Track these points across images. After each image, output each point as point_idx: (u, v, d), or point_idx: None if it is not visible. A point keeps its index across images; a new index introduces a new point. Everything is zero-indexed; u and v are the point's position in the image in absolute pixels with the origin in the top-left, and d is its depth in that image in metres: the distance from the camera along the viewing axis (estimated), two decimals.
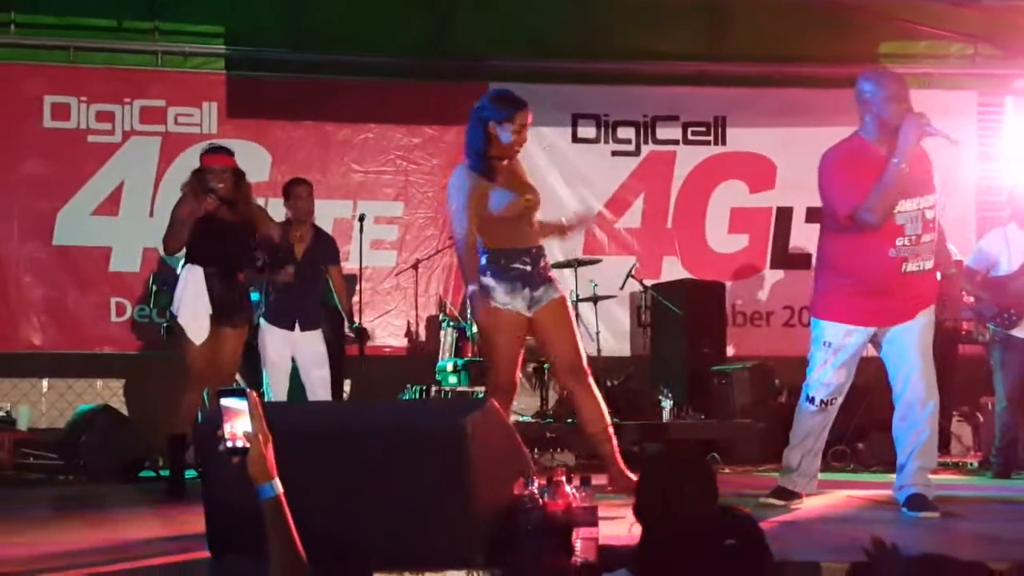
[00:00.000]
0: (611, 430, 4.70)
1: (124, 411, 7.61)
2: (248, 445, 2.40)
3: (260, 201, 7.99)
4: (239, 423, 2.43)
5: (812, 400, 4.67)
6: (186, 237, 5.59)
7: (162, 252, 6.12)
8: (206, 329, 5.56)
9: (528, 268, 4.57)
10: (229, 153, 5.81)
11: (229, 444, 2.44)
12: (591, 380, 4.65)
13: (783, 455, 4.83)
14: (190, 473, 6.12)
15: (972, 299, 6.74)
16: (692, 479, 2.51)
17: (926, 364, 4.58)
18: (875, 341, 4.65)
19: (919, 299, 4.59)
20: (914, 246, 4.48)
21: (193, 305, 5.57)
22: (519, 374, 4.71)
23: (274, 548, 2.40)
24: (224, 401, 2.46)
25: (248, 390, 2.48)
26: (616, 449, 4.71)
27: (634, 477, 4.16)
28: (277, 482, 2.42)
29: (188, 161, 8.05)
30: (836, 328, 4.58)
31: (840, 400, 4.71)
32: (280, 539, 2.40)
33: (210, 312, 5.57)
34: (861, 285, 4.53)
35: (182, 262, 5.72)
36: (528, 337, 4.72)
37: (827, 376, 4.62)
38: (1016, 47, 8.86)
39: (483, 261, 4.62)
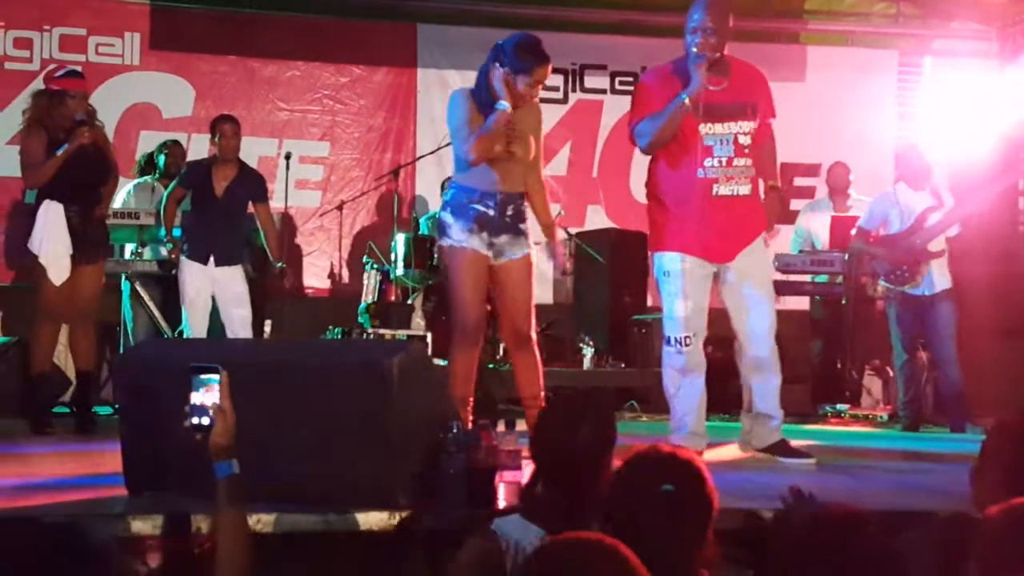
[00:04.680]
0: (542, 396, 4.56)
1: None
2: (213, 422, 2.41)
3: (183, 136, 7.91)
4: (208, 397, 2.42)
5: (668, 341, 4.59)
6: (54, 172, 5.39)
7: (26, 186, 5.92)
8: (67, 270, 5.44)
9: (490, 212, 4.44)
10: (83, 76, 5.70)
11: (194, 420, 2.44)
12: (534, 346, 4.54)
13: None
14: (106, 410, 6.05)
15: (867, 257, 6.91)
16: (589, 422, 2.55)
17: (767, 302, 4.57)
18: (717, 286, 4.62)
19: (742, 231, 4.53)
20: (724, 168, 4.50)
21: (55, 244, 5.42)
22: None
23: (224, 526, 2.39)
24: (195, 375, 2.45)
25: (219, 367, 2.45)
26: None
27: None
28: (236, 461, 2.41)
29: (109, 92, 7.90)
30: (669, 256, 4.56)
31: (698, 340, 4.55)
32: (232, 517, 2.39)
33: (71, 252, 5.44)
34: (679, 209, 4.53)
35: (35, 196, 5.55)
36: None
37: (676, 309, 4.54)
38: (937, 8, 9.02)
39: (448, 196, 4.53)
